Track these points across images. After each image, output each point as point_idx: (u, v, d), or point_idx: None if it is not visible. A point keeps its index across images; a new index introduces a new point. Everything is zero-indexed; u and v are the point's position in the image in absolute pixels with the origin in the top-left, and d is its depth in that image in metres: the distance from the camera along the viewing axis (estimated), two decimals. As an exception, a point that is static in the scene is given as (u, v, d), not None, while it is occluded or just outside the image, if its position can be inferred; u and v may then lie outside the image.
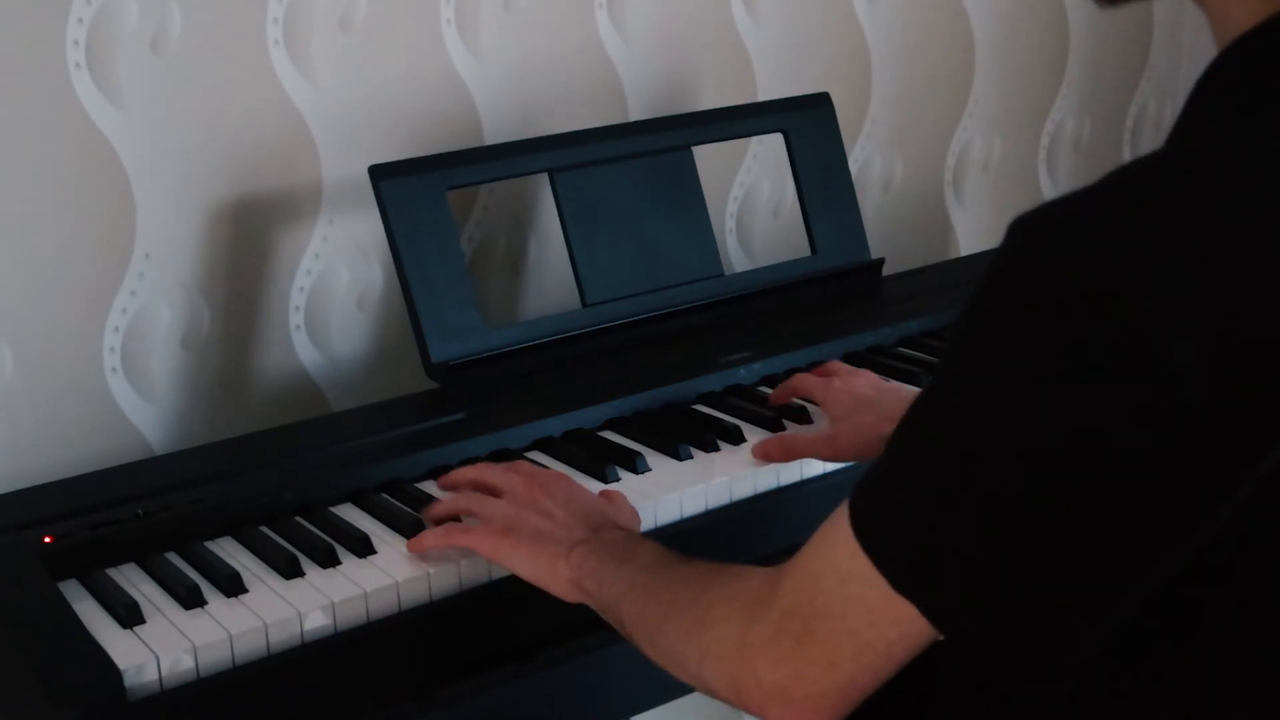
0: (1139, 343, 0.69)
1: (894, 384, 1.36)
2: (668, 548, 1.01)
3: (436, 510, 1.16)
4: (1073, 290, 0.70)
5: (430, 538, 1.11)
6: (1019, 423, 0.72)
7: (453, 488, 1.20)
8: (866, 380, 1.33)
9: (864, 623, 0.78)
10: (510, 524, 1.08)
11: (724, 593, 0.87)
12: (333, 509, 1.22)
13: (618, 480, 1.24)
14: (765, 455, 1.27)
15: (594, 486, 1.22)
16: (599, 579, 1.00)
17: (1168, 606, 0.76)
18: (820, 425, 1.33)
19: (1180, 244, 0.70)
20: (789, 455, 1.27)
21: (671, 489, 1.23)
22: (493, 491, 1.15)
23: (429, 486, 1.25)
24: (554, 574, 1.04)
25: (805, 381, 1.35)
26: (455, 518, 1.15)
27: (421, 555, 1.12)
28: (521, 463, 1.20)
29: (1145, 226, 0.70)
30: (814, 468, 1.29)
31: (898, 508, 0.77)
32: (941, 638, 0.79)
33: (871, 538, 0.77)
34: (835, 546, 0.79)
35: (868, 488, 0.79)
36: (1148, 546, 0.72)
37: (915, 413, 0.78)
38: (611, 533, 1.06)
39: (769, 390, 1.43)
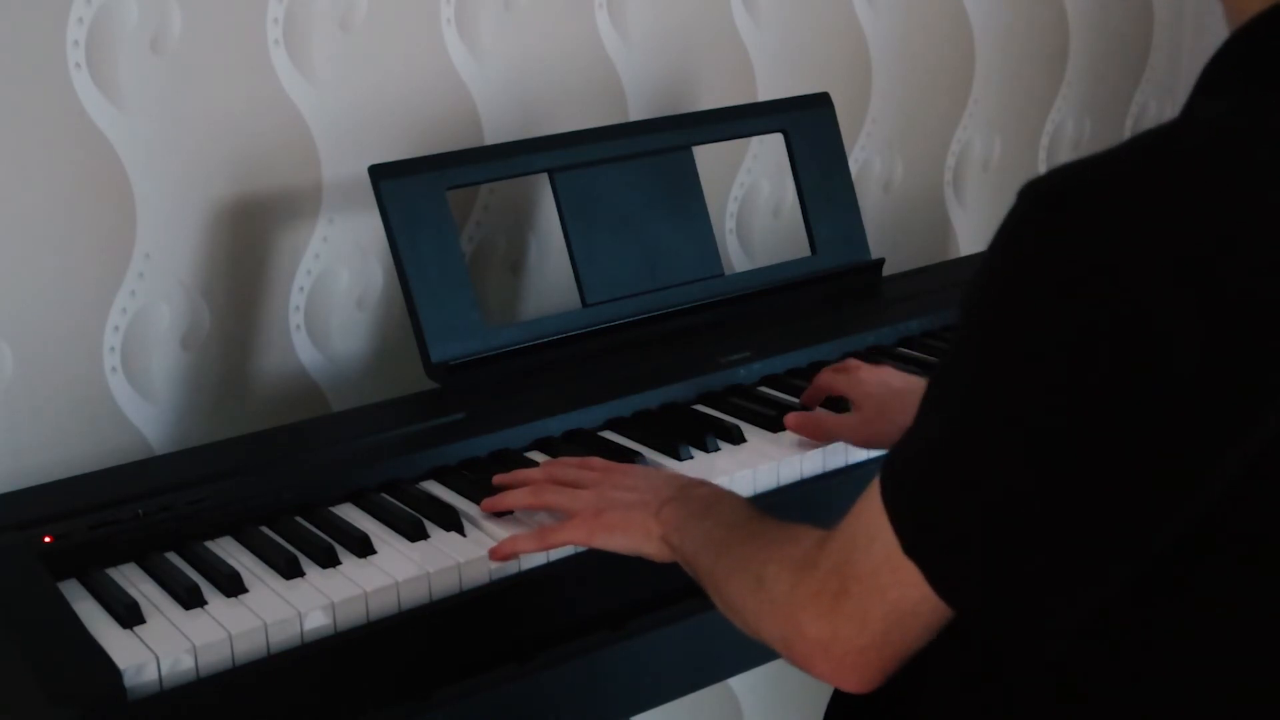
0: (1135, 311, 0.71)
1: (916, 379, 1.31)
2: (749, 503, 1.05)
3: (512, 502, 1.16)
4: (1072, 258, 0.72)
5: (523, 541, 1.12)
6: (1022, 392, 0.75)
7: (517, 484, 1.20)
8: (891, 372, 1.33)
9: (890, 581, 0.81)
10: (600, 506, 1.11)
11: (778, 553, 0.91)
12: (333, 509, 1.22)
13: (618, 480, 1.24)
14: (798, 427, 1.29)
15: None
16: (682, 534, 1.04)
17: (1154, 592, 0.78)
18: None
19: (1179, 213, 0.71)
20: (819, 433, 1.29)
21: (671, 489, 1.22)
22: (570, 485, 1.16)
23: (429, 486, 1.25)
24: (647, 535, 1.08)
25: (830, 380, 1.33)
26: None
27: (508, 555, 1.13)
28: (593, 458, 1.21)
29: (1145, 196, 0.72)
30: (812, 468, 1.29)
31: (916, 473, 0.80)
32: None
33: (892, 501, 0.81)
34: (869, 509, 0.83)
35: (896, 452, 0.83)
36: (1141, 514, 0.74)
37: (937, 381, 0.82)
38: (698, 488, 1.10)
39: (769, 390, 1.43)
